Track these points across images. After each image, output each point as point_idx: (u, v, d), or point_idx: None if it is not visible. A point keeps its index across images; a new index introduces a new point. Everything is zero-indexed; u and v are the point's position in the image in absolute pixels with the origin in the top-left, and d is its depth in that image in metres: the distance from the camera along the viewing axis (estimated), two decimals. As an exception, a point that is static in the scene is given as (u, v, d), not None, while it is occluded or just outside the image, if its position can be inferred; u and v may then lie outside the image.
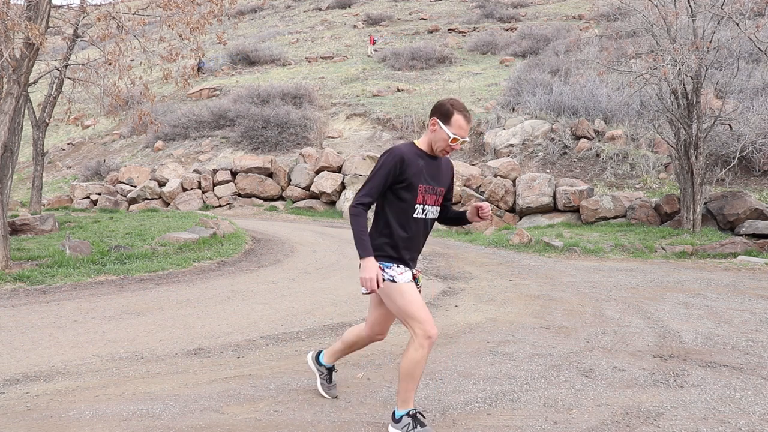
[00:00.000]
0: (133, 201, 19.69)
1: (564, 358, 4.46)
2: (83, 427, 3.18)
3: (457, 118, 3.00)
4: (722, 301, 6.60)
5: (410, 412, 3.02)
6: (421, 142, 3.14)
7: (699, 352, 4.63)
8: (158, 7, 9.42)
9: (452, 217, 3.36)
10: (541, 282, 7.83)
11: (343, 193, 18.00)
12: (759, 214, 11.11)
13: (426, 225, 3.17)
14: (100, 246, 9.37)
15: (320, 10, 51.12)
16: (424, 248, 3.58)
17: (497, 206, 14.56)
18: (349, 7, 50.17)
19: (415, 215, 3.08)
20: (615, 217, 12.98)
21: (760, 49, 11.05)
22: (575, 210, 13.61)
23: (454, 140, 3.01)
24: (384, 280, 3.02)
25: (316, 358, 3.69)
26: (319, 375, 3.66)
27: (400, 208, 3.06)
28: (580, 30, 32.29)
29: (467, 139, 3.11)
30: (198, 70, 20.11)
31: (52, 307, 6.14)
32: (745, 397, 3.67)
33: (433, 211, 3.17)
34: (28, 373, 4.07)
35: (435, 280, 7.98)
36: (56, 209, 17.99)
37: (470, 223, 3.32)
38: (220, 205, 19.14)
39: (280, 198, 19.44)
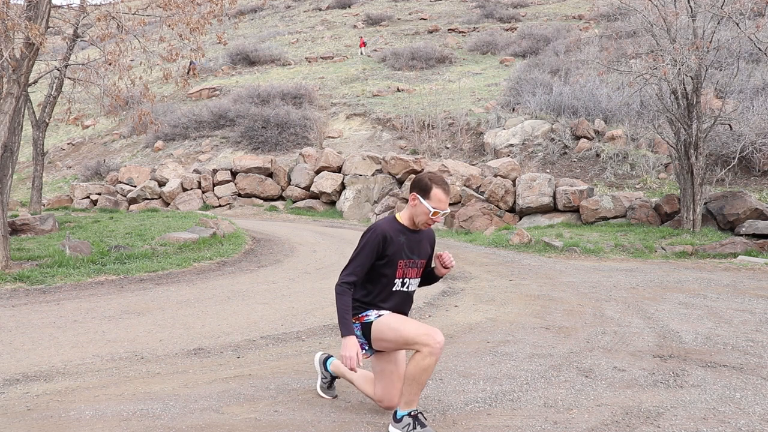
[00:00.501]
0: (133, 201, 19.69)
1: (564, 358, 4.46)
2: (83, 427, 3.18)
3: (436, 192, 3.07)
4: (722, 301, 6.60)
5: (411, 413, 3.02)
6: (403, 217, 3.20)
7: (699, 352, 4.63)
8: (158, 7, 9.42)
9: (424, 278, 3.38)
10: (541, 282, 7.83)
11: (343, 193, 17.99)
12: (759, 214, 11.11)
13: (407, 295, 3.24)
14: (100, 246, 9.37)
15: (320, 10, 51.11)
16: None
17: (497, 206, 14.56)
18: (349, 7, 50.16)
19: (394, 289, 3.16)
20: (615, 217, 12.97)
21: (760, 49, 11.05)
22: (575, 210, 13.61)
23: (435, 213, 3.08)
24: (371, 321, 3.11)
25: (324, 362, 3.68)
26: (321, 378, 3.67)
27: (380, 283, 3.14)
28: (580, 30, 32.30)
29: (448, 210, 3.18)
30: (190, 70, 19.95)
31: (52, 307, 6.14)
32: (745, 397, 3.67)
33: (413, 283, 3.24)
34: (28, 373, 4.07)
35: (435, 280, 7.97)
36: (56, 209, 17.99)
37: (441, 277, 3.36)
38: (220, 205, 19.14)
39: (280, 198, 19.44)
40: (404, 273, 3.16)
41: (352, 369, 2.98)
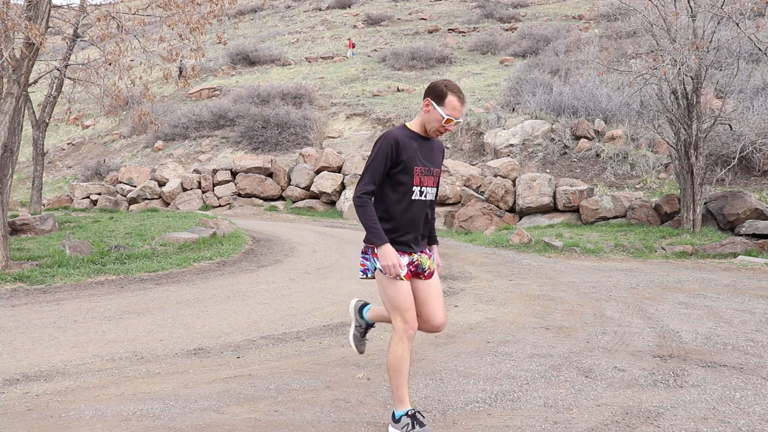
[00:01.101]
0: (133, 201, 19.69)
1: (564, 358, 4.46)
2: (83, 427, 3.18)
3: (451, 99, 3.01)
4: (722, 301, 6.60)
5: (409, 412, 3.01)
6: (414, 124, 3.14)
7: (699, 352, 4.63)
8: (158, 7, 9.42)
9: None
10: (541, 282, 7.83)
11: (343, 193, 17.99)
12: (759, 214, 11.10)
13: (426, 206, 3.16)
14: (100, 246, 9.37)
15: (320, 10, 51.10)
16: None
17: (497, 206, 14.56)
18: (349, 7, 50.15)
19: (413, 197, 3.08)
20: (615, 217, 12.97)
21: (760, 49, 11.05)
22: (575, 210, 13.60)
23: (448, 121, 3.02)
24: (376, 268, 3.03)
25: (360, 310, 3.53)
26: (356, 326, 3.52)
27: (398, 191, 3.06)
28: (580, 30, 32.28)
29: (461, 120, 3.10)
30: (180, 74, 19.92)
31: (52, 307, 6.14)
32: (745, 397, 3.67)
33: (431, 192, 3.16)
34: (28, 373, 4.07)
35: (435, 280, 7.96)
36: (56, 209, 17.99)
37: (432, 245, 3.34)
38: (220, 205, 19.14)
39: (280, 198, 19.44)
40: (421, 181, 3.08)
41: (395, 277, 2.93)
